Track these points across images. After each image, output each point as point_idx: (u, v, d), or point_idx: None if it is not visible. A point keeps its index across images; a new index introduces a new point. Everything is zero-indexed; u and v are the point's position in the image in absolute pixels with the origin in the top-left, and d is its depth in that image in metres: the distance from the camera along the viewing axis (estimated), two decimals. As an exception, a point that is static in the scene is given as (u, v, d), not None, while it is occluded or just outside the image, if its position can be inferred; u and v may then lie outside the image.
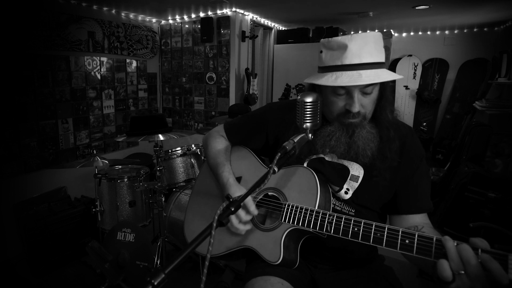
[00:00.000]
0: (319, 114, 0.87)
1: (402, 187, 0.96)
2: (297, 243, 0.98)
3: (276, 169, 0.75)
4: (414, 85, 4.78)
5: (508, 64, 3.38)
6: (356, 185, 0.96)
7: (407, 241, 0.71)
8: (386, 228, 0.74)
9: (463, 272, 0.61)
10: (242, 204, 0.74)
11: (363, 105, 0.90)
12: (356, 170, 0.97)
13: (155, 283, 0.55)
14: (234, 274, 2.04)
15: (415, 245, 0.69)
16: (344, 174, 0.98)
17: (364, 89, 0.87)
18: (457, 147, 3.20)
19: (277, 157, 0.76)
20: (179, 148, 2.32)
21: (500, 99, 3.68)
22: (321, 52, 0.92)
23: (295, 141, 0.81)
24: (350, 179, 0.97)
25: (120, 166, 2.60)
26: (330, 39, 0.90)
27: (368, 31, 0.93)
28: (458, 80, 4.54)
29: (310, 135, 0.85)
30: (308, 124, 0.84)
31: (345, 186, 0.97)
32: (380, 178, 0.94)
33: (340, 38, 0.87)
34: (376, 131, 0.95)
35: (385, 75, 0.85)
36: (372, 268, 1.04)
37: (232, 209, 0.69)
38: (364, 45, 0.85)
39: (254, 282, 0.96)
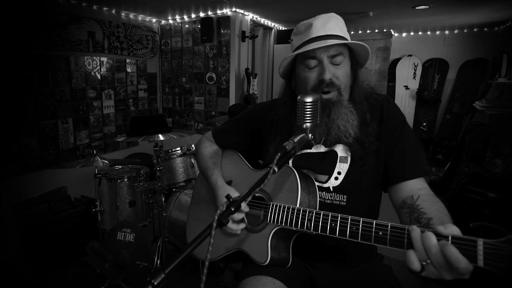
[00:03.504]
0: (319, 114, 0.87)
1: (389, 157, 0.95)
2: (287, 242, 0.98)
3: (276, 169, 0.75)
4: (414, 85, 4.78)
5: (508, 64, 3.39)
6: (346, 166, 0.97)
7: (380, 233, 0.70)
8: (361, 221, 0.74)
9: (429, 261, 0.60)
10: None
11: (336, 76, 0.92)
12: (343, 151, 0.98)
13: (155, 283, 0.55)
14: (234, 274, 2.04)
15: (388, 236, 0.68)
16: (332, 158, 0.98)
17: (333, 59, 0.92)
18: (457, 147, 3.20)
19: (277, 157, 0.76)
20: (179, 148, 2.33)
21: (500, 99, 3.68)
22: (291, 40, 1.01)
23: (295, 141, 0.81)
24: (340, 162, 0.97)
25: (120, 166, 2.60)
26: (297, 25, 0.99)
27: (331, 13, 0.98)
28: (458, 80, 4.54)
29: (310, 135, 0.85)
30: (308, 124, 0.84)
31: (336, 170, 0.97)
32: (365, 161, 0.94)
33: (305, 20, 0.97)
34: (357, 112, 0.97)
35: (349, 40, 0.91)
36: (370, 268, 1.04)
37: (232, 209, 0.69)
38: (328, 22, 0.94)
39: (247, 281, 0.97)
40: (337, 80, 0.93)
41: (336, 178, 0.97)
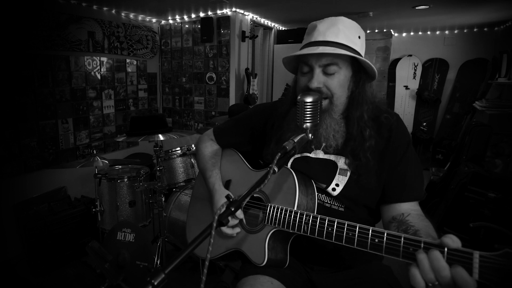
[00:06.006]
0: (319, 114, 0.87)
1: (389, 176, 0.94)
2: (285, 243, 0.98)
3: (276, 169, 0.75)
4: (414, 85, 4.78)
5: (508, 64, 3.39)
6: (345, 179, 0.95)
7: (376, 240, 0.70)
8: (357, 227, 0.73)
9: (437, 283, 0.59)
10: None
11: (327, 85, 0.91)
12: (344, 164, 0.96)
13: (155, 283, 0.55)
14: (234, 274, 2.04)
15: (384, 244, 0.68)
16: (332, 169, 0.96)
17: (325, 69, 0.90)
18: (457, 147, 3.19)
19: (277, 157, 0.76)
20: (179, 148, 2.33)
21: (500, 99, 3.68)
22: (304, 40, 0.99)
23: (295, 141, 0.80)
24: (339, 174, 0.95)
25: (120, 166, 2.60)
26: (310, 24, 0.96)
27: (341, 17, 0.93)
28: (458, 80, 4.54)
29: (310, 135, 0.85)
30: (308, 124, 0.84)
31: (334, 182, 0.96)
32: (364, 176, 0.92)
33: (314, 22, 0.94)
34: (344, 125, 0.95)
35: (342, 51, 0.86)
36: (370, 268, 1.04)
37: (232, 209, 0.69)
38: (331, 26, 0.90)
39: (245, 281, 0.98)
40: (327, 90, 0.91)
41: (334, 190, 0.96)
